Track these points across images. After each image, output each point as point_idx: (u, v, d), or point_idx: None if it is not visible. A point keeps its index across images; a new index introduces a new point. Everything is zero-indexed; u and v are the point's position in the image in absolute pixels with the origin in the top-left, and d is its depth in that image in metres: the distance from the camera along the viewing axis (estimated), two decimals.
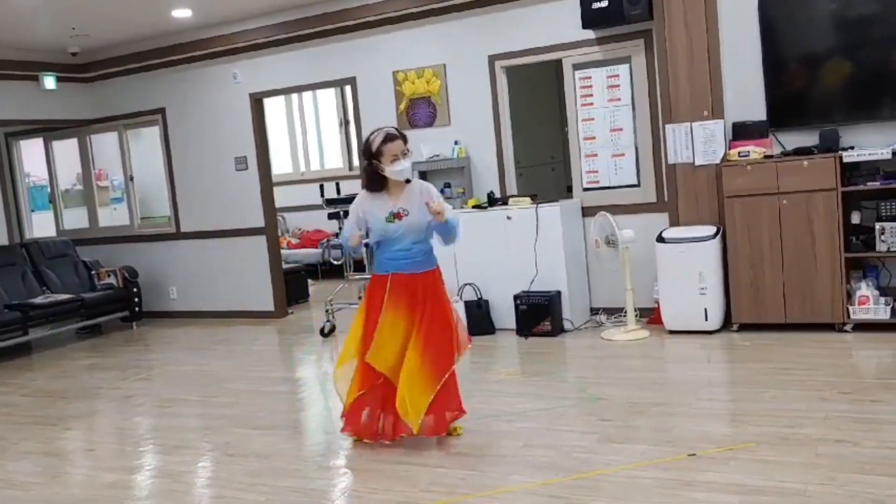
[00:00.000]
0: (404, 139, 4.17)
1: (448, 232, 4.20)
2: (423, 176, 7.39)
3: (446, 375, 4.17)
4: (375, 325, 4.18)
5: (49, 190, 10.08)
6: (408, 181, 4.22)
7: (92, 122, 9.29)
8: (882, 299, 5.53)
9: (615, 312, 6.59)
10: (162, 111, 8.81)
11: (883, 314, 5.48)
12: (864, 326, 5.54)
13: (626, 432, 4.13)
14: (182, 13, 7.47)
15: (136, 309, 8.63)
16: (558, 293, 6.39)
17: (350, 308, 7.72)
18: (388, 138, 4.11)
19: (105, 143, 9.54)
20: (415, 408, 4.09)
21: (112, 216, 9.67)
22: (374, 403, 4.27)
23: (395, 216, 4.15)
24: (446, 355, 4.19)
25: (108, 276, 8.66)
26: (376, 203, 4.20)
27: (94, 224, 9.61)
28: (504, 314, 6.55)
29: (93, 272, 8.72)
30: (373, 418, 4.29)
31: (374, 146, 4.12)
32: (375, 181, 4.18)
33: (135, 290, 8.61)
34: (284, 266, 8.97)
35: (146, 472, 4.33)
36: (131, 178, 9.32)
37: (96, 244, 9.37)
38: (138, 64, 8.65)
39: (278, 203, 8.92)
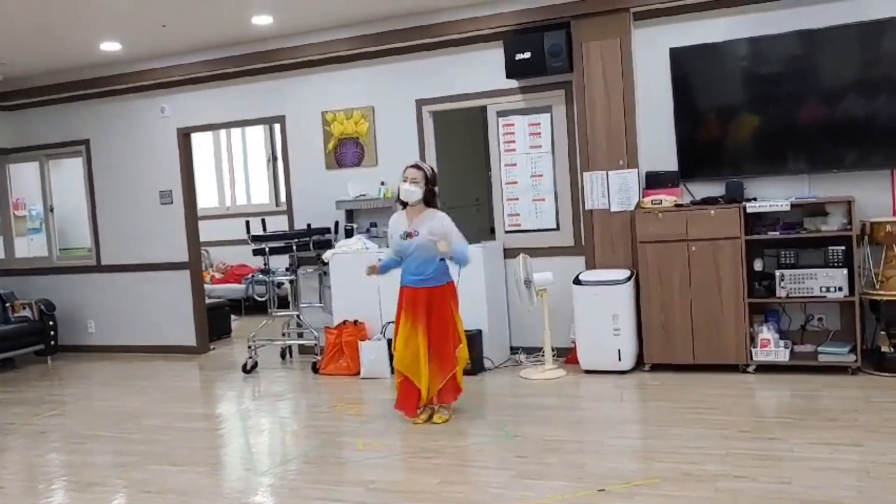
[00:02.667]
0: (423, 172, 5.17)
1: (458, 262, 5.19)
2: (350, 215, 7.52)
3: (449, 374, 5.15)
4: (397, 330, 5.21)
5: None
6: (413, 204, 5.18)
7: (10, 150, 9.11)
8: (782, 342, 5.86)
9: (534, 352, 6.78)
10: (86, 142, 8.72)
11: (783, 356, 5.80)
12: (765, 368, 5.85)
13: (540, 469, 4.28)
14: (111, 46, 7.45)
15: (52, 342, 8.43)
16: (479, 332, 6.54)
17: (273, 344, 7.73)
18: (409, 167, 5.22)
19: (24, 172, 9.35)
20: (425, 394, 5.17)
21: (29, 247, 9.44)
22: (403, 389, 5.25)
23: (408, 235, 5.13)
24: (449, 358, 5.14)
25: (23, 308, 8.45)
26: (400, 222, 5.23)
27: (9, 255, 9.37)
28: None
29: (7, 304, 8.49)
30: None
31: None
32: (402, 201, 5.23)
33: (51, 323, 8.42)
34: (207, 301, 8.90)
35: None
36: (51, 209, 9.15)
37: (11, 275, 9.13)
38: (62, 94, 8.55)
39: (203, 237, 8.87)
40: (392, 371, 5.57)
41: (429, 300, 5.11)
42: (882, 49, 5.76)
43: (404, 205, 5.25)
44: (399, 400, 5.30)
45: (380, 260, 5.56)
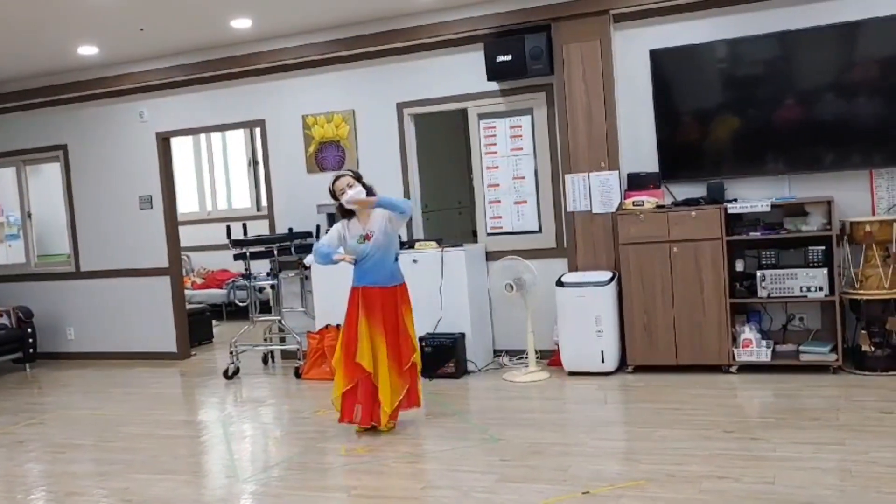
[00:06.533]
0: (354, 176, 5.18)
1: (390, 208, 5.05)
2: (331, 219, 7.46)
3: (408, 384, 5.14)
4: (355, 329, 5.07)
5: None
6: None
7: None
8: (764, 342, 5.88)
9: (517, 354, 6.77)
10: (64, 147, 8.63)
11: (765, 356, 5.83)
12: (747, 368, 5.87)
13: (525, 472, 4.26)
14: (88, 50, 7.38)
15: (31, 350, 8.33)
16: (462, 335, 6.54)
17: (255, 350, 7.68)
18: (335, 179, 5.18)
19: (1, 178, 9.24)
20: (389, 404, 5.02)
21: (7, 254, 9.34)
22: (356, 396, 5.08)
23: (365, 238, 5.08)
24: (405, 363, 5.11)
25: (1, 315, 8.34)
26: (351, 227, 5.16)
27: None
28: None
29: None
30: (352, 409, 5.11)
31: (331, 188, 5.19)
32: (346, 211, 5.17)
33: (29, 330, 8.32)
34: (188, 306, 8.83)
35: None
36: (29, 215, 9.06)
37: None
38: (39, 99, 8.45)
39: (183, 242, 8.81)
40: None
41: (383, 301, 5.07)
42: (859, 50, 5.81)
43: (348, 214, 5.15)
44: (348, 407, 5.08)
45: (336, 253, 5.17)
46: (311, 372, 6.91)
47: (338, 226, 5.23)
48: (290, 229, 7.39)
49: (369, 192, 5.13)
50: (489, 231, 7.04)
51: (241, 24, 6.83)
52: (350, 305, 5.15)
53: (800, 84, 5.96)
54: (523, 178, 6.88)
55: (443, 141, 8.10)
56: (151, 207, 8.28)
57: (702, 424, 4.79)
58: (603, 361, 6.11)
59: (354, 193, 5.05)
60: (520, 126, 6.85)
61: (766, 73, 6.00)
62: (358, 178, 5.19)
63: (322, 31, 7.17)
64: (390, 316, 5.08)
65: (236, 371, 7.27)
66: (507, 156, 6.91)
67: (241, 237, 7.52)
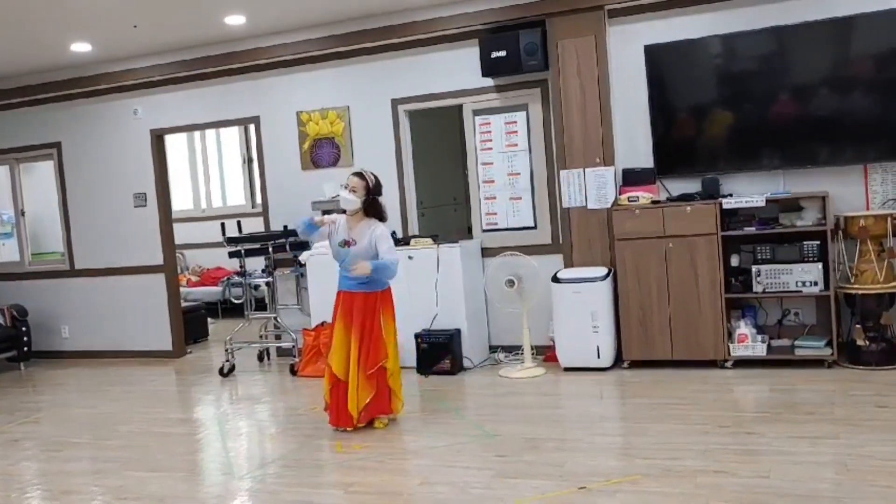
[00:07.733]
0: (365, 182, 5.04)
1: (378, 275, 5.00)
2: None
3: (377, 386, 5.05)
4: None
5: None
6: (351, 213, 5.09)
7: None
8: (759, 337, 5.89)
9: (513, 350, 6.77)
10: (58, 145, 8.60)
11: (760, 351, 5.84)
12: (743, 363, 5.88)
13: (521, 468, 4.26)
14: (81, 47, 7.35)
15: (25, 349, 8.31)
16: (458, 331, 6.53)
17: (250, 347, 7.67)
18: (352, 174, 5.12)
19: None
20: (355, 405, 5.02)
21: (1, 252, 9.31)
22: (335, 398, 5.12)
23: (346, 243, 5.05)
24: (372, 367, 5.03)
25: None
26: (341, 227, 5.12)
27: None
28: (405, 352, 6.57)
29: None
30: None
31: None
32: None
33: (24, 329, 8.30)
34: (183, 304, 8.81)
35: None
36: (23, 213, 9.03)
37: None
38: (33, 96, 8.43)
39: (178, 240, 8.79)
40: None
41: (363, 305, 5.04)
42: (854, 45, 5.81)
43: (344, 211, 5.15)
44: (332, 412, 5.15)
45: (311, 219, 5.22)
46: (307, 369, 6.90)
47: (334, 216, 5.23)
48: (285, 226, 7.37)
49: (375, 185, 5.07)
50: (484, 227, 7.03)
51: (236, 20, 6.81)
52: (334, 307, 5.19)
53: (794, 79, 5.96)
54: (518, 174, 6.88)
55: (438, 137, 8.08)
56: (146, 205, 8.26)
57: (697, 419, 4.79)
58: (599, 357, 6.12)
59: (345, 202, 5.05)
60: (515, 122, 6.84)
61: (760, 68, 5.99)
62: (375, 190, 5.07)
63: (316, 27, 7.15)
64: (367, 321, 5.04)
65: (232, 368, 7.26)
66: (502, 152, 6.90)
67: (236, 234, 7.51)
